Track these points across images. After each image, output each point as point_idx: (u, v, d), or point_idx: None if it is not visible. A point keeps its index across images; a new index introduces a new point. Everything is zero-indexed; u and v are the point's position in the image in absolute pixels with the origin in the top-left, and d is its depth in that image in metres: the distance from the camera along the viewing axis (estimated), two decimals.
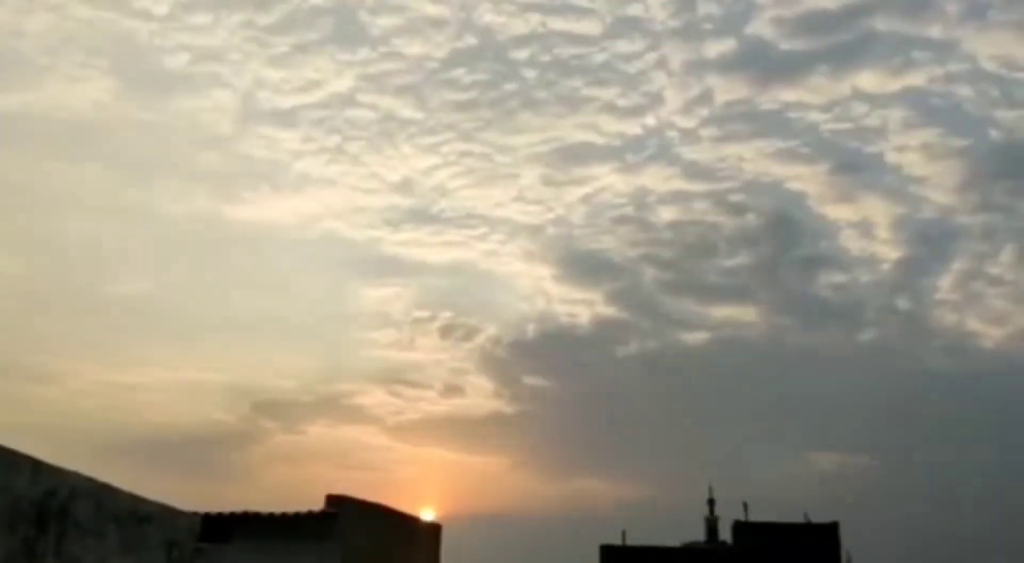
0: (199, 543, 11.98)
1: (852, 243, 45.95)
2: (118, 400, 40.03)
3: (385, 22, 43.48)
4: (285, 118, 43.52)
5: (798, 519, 25.82)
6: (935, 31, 44.24)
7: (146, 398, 40.44)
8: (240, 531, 13.79)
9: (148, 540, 11.14)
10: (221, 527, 13.52)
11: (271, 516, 14.02)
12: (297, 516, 14.00)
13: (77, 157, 39.66)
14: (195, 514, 11.52)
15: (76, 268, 39.57)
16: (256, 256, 44.02)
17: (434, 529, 17.54)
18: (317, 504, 14.79)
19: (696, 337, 45.47)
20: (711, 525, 28.14)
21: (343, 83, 43.50)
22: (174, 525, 11.54)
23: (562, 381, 45.86)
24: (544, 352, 45.17)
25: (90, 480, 10.86)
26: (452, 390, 44.83)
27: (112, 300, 39.97)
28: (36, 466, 9.49)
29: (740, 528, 25.72)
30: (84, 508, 10.58)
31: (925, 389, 41.88)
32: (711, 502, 28.02)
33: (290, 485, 36.10)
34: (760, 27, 43.69)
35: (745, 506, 25.56)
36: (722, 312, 46.37)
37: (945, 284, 45.21)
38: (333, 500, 14.06)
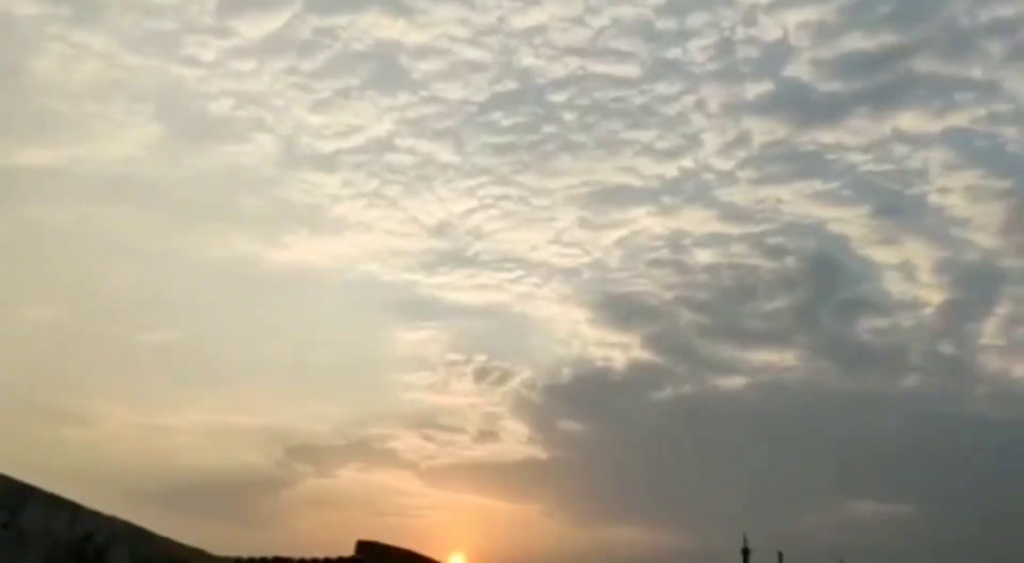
0: None
1: (894, 286, 45.53)
2: (152, 443, 40.45)
3: (426, 66, 44.12)
4: (325, 162, 44.22)
5: None
6: (977, 72, 44.08)
7: (180, 441, 40.86)
8: None
9: None
10: None
11: (302, 561, 14.11)
12: (328, 561, 14.07)
13: (120, 202, 40.65)
14: (229, 559, 11.64)
15: (114, 312, 40.23)
16: (293, 299, 44.52)
17: None
18: (347, 550, 14.87)
19: (734, 382, 45.16)
20: None
21: (382, 127, 44.27)
22: None
23: (597, 426, 45.63)
24: (579, 396, 45.00)
25: (127, 524, 11.03)
26: (486, 435, 44.73)
27: (149, 344, 40.69)
28: (75, 510, 9.66)
29: None
30: (120, 553, 10.73)
31: (969, 437, 41.14)
32: (745, 551, 27.63)
33: (321, 530, 36.08)
34: (798, 69, 43.94)
35: (780, 556, 25.21)
36: (760, 357, 46.01)
37: (990, 329, 44.58)
38: (364, 546, 14.12)
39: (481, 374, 45.38)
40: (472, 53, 43.78)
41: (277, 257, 43.30)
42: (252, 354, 43.28)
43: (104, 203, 40.13)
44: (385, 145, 44.39)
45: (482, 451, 44.31)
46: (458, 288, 45.34)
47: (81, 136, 40.49)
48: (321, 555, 14.65)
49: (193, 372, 41.13)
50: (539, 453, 44.46)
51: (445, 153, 44.97)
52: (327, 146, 43.95)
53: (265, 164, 43.47)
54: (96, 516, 10.21)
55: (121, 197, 40.62)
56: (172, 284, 41.61)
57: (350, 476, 42.78)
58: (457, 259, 45.40)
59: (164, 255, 41.74)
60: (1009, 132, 44.34)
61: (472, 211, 45.41)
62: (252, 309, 43.74)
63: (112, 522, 10.64)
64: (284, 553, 15.20)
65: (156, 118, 41.73)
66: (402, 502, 42.19)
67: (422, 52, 43.84)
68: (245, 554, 14.98)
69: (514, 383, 45.19)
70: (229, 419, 41.13)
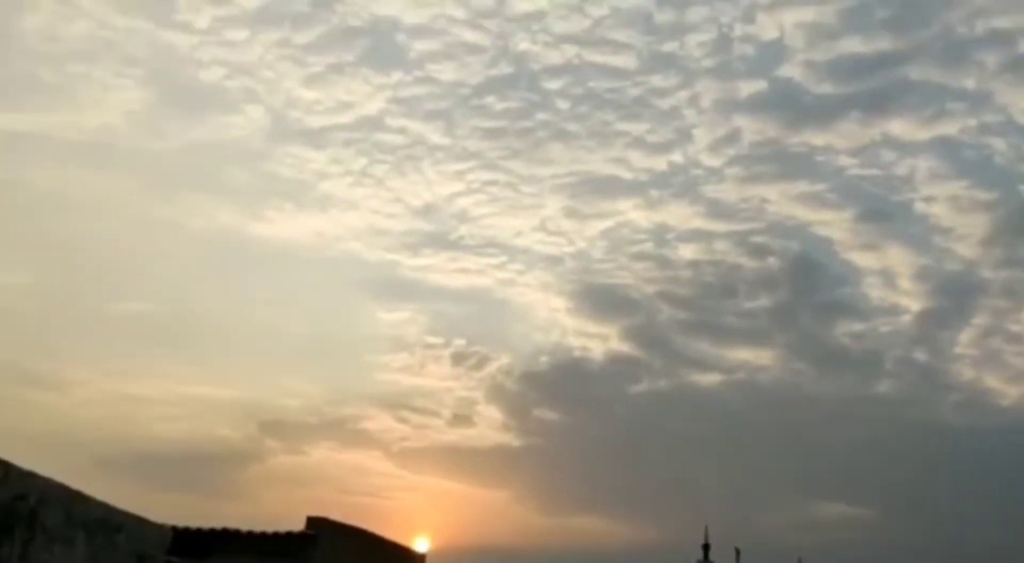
0: (172, 557, 11.96)
1: (874, 292, 45.68)
2: (124, 411, 40.16)
3: (422, 46, 43.90)
4: (314, 138, 43.90)
5: None
6: (970, 82, 44.24)
7: (152, 411, 40.55)
8: (219, 548, 13.76)
9: (117, 550, 11.11)
10: (200, 543, 13.49)
11: (250, 534, 13.98)
12: (277, 536, 13.95)
13: (103, 168, 40.23)
14: (167, 527, 11.49)
15: (91, 279, 39.84)
16: (274, 274, 44.27)
17: (418, 559, 17.42)
18: (300, 525, 14.75)
19: (709, 379, 45.27)
20: None
21: (374, 105, 43.95)
22: (145, 536, 11.52)
23: (572, 416, 45.64)
24: (555, 385, 45.01)
25: (62, 486, 10.86)
26: (460, 419, 44.65)
27: (126, 312, 40.20)
28: (6, 469, 9.50)
29: None
30: (54, 514, 10.56)
31: (938, 444, 41.42)
32: (706, 547, 27.68)
33: (288, 506, 35.98)
34: (792, 70, 43.94)
35: (737, 552, 25.26)
36: (737, 355, 46.10)
37: (965, 339, 44.78)
38: (314, 522, 14.00)
39: (459, 358, 45.35)
40: (469, 35, 43.62)
41: (260, 231, 43.12)
42: (229, 327, 43.05)
43: (86, 168, 39.80)
44: (375, 123, 44.24)
45: (455, 435, 44.33)
46: (440, 271, 45.34)
47: (65, 99, 40.19)
48: (272, 530, 14.54)
49: (169, 342, 40.85)
50: (512, 440, 44.52)
51: (435, 135, 44.81)
52: (317, 121, 43.74)
53: (253, 136, 43.26)
54: (30, 476, 10.04)
55: (104, 163, 40.30)
56: (152, 253, 41.33)
57: (321, 454, 42.74)
58: (441, 242, 45.34)
59: (145, 223, 41.43)
60: (998, 144, 44.64)
61: (459, 194, 45.35)
62: (232, 282, 43.51)
63: (46, 483, 10.48)
64: (249, 527, 15.09)
65: (144, 83, 41.36)
66: (372, 482, 42.19)
67: (419, 31, 43.71)
68: (206, 526, 14.86)
69: (491, 369, 45.22)
70: (203, 391, 40.96)
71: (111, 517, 11.07)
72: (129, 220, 41.06)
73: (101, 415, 38.96)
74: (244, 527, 15.01)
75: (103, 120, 40.50)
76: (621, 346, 45.87)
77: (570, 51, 44.29)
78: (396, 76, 44.19)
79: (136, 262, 40.64)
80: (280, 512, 39.43)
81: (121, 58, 41.05)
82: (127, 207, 41.09)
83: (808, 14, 43.00)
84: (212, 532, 13.94)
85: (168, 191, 42.17)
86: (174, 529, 11.35)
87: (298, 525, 14.86)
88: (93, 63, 40.79)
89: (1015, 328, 44.49)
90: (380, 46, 43.89)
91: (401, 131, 44.29)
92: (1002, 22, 43.41)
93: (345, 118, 43.65)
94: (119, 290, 40.21)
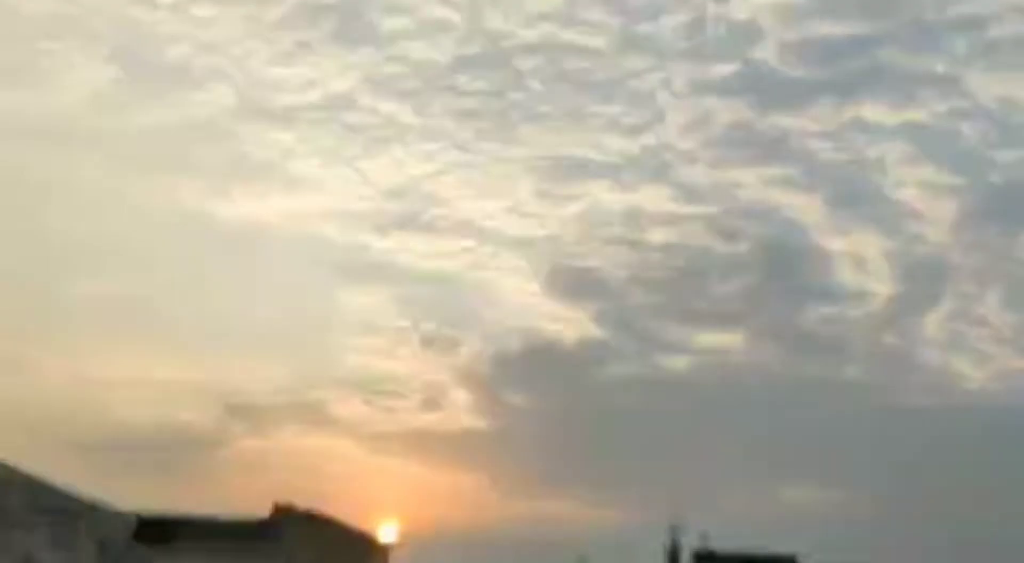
0: (135, 543, 11.79)
1: (844, 276, 45.45)
2: (89, 395, 39.45)
3: (393, 23, 43.04)
4: (282, 117, 43.04)
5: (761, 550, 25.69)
6: (940, 67, 44.18)
7: (116, 394, 39.75)
8: (182, 534, 13.58)
9: (79, 537, 10.96)
10: (163, 529, 13.31)
11: (215, 521, 13.81)
12: (242, 523, 13.79)
13: (67, 144, 39.38)
14: (130, 514, 11.34)
15: (55, 260, 39.11)
16: (242, 255, 43.55)
17: (383, 544, 17.33)
18: (265, 511, 14.60)
19: (679, 362, 45.15)
20: (672, 553, 27.96)
21: (344, 84, 43.09)
22: (107, 523, 11.36)
23: (542, 399, 45.56)
24: (526, 368, 44.81)
25: (23, 473, 10.68)
26: (430, 403, 44.32)
27: (90, 293, 39.48)
28: None
29: (700, 557, 25.60)
30: (15, 500, 10.39)
31: (905, 426, 41.77)
32: (673, 529, 27.87)
33: (255, 491, 35.51)
34: (765, 52, 43.62)
35: (705, 535, 25.44)
36: (708, 338, 46.02)
37: (933, 322, 44.94)
38: (280, 509, 13.86)
39: (428, 341, 44.98)
40: (441, 12, 42.89)
41: (227, 212, 42.40)
42: (196, 309, 42.44)
43: (49, 147, 39.00)
44: (345, 103, 43.33)
45: (425, 419, 44.02)
46: (410, 253, 44.68)
47: (28, 77, 39.42)
48: (237, 516, 14.40)
49: (134, 325, 40.29)
50: (482, 424, 44.35)
51: (406, 114, 44.01)
52: (285, 100, 42.89)
53: (220, 115, 42.32)
54: None
55: (68, 142, 39.51)
56: (117, 234, 40.59)
57: (288, 438, 42.31)
58: (411, 223, 44.68)
59: (111, 204, 40.68)
60: (967, 129, 44.60)
61: (430, 176, 44.61)
62: (198, 263, 42.77)
63: (8, 469, 10.31)
64: (214, 512, 14.93)
65: (110, 60, 40.58)
66: (340, 467, 41.85)
67: (390, 8, 42.94)
68: (170, 511, 14.67)
69: (461, 352, 44.87)
70: (168, 374, 40.32)
71: (72, 504, 10.90)
72: (94, 200, 40.45)
73: (65, 398, 38.40)
74: (209, 512, 14.87)
75: (67, 98, 39.91)
76: (592, 329, 45.78)
77: (544, 30, 43.69)
78: (366, 54, 43.50)
79: (101, 243, 40.04)
80: (246, 497, 39.19)
81: (86, 35, 40.48)
82: (91, 187, 40.44)
83: None
84: (177, 518, 13.76)
85: (133, 171, 41.41)
86: (138, 516, 11.19)
87: (264, 511, 14.73)
88: (57, 40, 40.10)
89: (981, 312, 44.81)
90: (350, 23, 43.19)
91: (371, 110, 43.62)
92: (972, 8, 43.32)
93: (314, 97, 42.99)
94: (83, 272, 39.62)
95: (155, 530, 12.64)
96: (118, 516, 11.44)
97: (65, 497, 11.00)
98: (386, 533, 17.13)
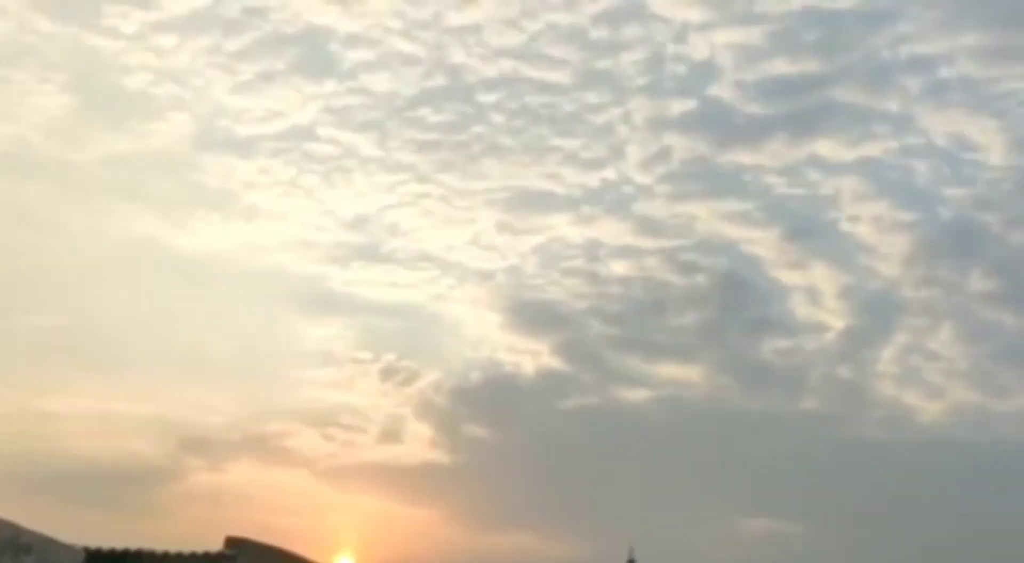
0: None
1: (799, 309, 46.03)
2: (37, 428, 38.33)
3: (356, 55, 43.36)
4: (242, 147, 43.00)
5: None
6: (893, 105, 45.13)
7: (67, 427, 39.00)
8: None
9: None
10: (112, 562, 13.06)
11: (165, 555, 13.57)
12: (194, 556, 13.55)
13: (22, 174, 39.08)
14: (78, 547, 11.12)
15: (4, 289, 38.46)
16: (198, 286, 43.13)
17: None
18: (218, 545, 14.37)
19: (637, 394, 45.28)
20: None
21: (305, 115, 43.27)
22: (55, 557, 11.14)
23: (501, 432, 45.45)
24: (485, 401, 44.70)
25: None
26: (388, 436, 44.00)
27: (39, 324, 38.80)
28: None
29: None
30: None
31: (860, 459, 42.22)
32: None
33: (207, 525, 34.84)
34: (722, 89, 44.46)
35: None
36: (666, 371, 46.27)
37: (886, 356, 45.43)
38: (232, 542, 13.64)
39: (388, 373, 44.70)
40: (404, 46, 43.26)
41: (183, 242, 42.10)
42: (150, 341, 41.78)
43: (2, 175, 38.67)
44: (306, 133, 43.44)
45: (383, 453, 43.70)
46: (370, 284, 44.56)
47: None
48: (189, 550, 14.14)
49: (86, 357, 39.59)
50: (441, 457, 44.07)
51: (367, 146, 44.19)
52: (245, 130, 42.85)
53: (178, 145, 42.13)
54: None
55: (21, 169, 39.17)
56: (69, 264, 40.02)
57: (243, 472, 41.71)
58: (371, 255, 44.67)
59: (63, 234, 40.19)
60: (919, 166, 45.51)
61: (390, 207, 44.71)
62: (154, 294, 42.28)
63: None
64: (169, 546, 14.65)
65: (67, 89, 40.30)
66: (296, 501, 41.30)
67: (353, 40, 43.20)
68: (119, 546, 14.38)
69: (421, 384, 44.64)
70: (121, 407, 39.69)
71: (20, 537, 10.67)
72: (47, 230, 39.92)
73: (11, 431, 37.50)
74: (160, 547, 14.59)
75: (22, 126, 39.50)
76: (551, 362, 45.84)
77: (506, 65, 44.34)
78: (329, 85, 43.68)
79: (52, 273, 39.40)
80: (199, 532, 38.31)
81: (43, 63, 40.07)
82: (44, 216, 39.92)
83: (738, 35, 43.68)
84: (126, 552, 13.49)
85: (88, 200, 41.09)
86: (86, 550, 10.98)
87: (216, 545, 14.49)
88: (13, 68, 39.81)
89: (933, 346, 45.48)
90: (313, 55, 43.35)
91: (332, 141, 43.72)
92: (924, 48, 44.37)
93: (275, 127, 43.03)
94: (33, 302, 38.80)
95: None
96: (67, 549, 11.21)
97: (12, 530, 10.76)
98: None
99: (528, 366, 45.67)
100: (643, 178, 45.17)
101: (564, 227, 45.56)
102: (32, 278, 38.82)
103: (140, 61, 40.90)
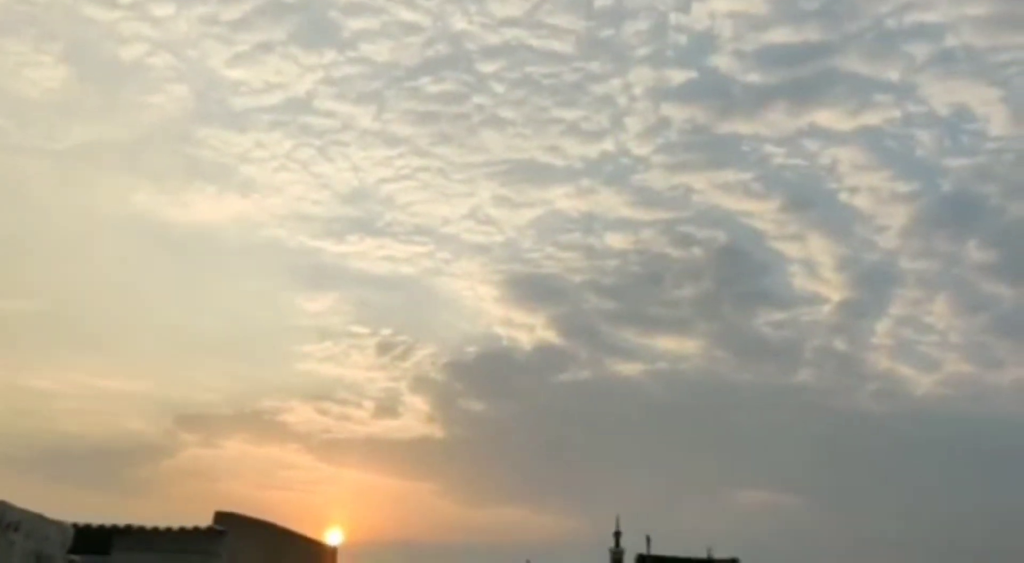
0: (73, 555, 11.65)
1: (796, 281, 46.07)
2: (31, 406, 38.52)
3: (357, 24, 42.60)
4: (239, 119, 42.74)
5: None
6: (895, 74, 44.51)
7: (62, 406, 39.10)
8: (121, 544, 13.42)
9: (14, 548, 10.79)
10: (102, 540, 13.15)
11: (155, 531, 13.66)
12: (183, 531, 13.65)
13: (14, 148, 38.91)
14: (68, 524, 11.18)
15: None
16: (193, 260, 43.06)
17: (330, 552, 17.25)
18: (209, 520, 14.47)
19: (632, 368, 45.44)
20: (616, 558, 28.17)
21: (303, 86, 42.75)
22: (44, 534, 11.20)
23: (497, 406, 45.62)
24: (481, 375, 44.82)
25: None
26: (384, 410, 44.13)
27: (33, 300, 38.71)
28: None
29: (643, 559, 25.85)
30: None
31: (855, 432, 42.41)
32: (617, 534, 28.02)
33: (201, 501, 34.92)
34: (721, 59, 43.95)
35: (648, 540, 25.68)
36: (661, 344, 46.44)
37: (882, 328, 45.60)
38: (222, 517, 13.74)
39: (384, 348, 44.80)
40: (406, 14, 42.53)
41: (179, 216, 41.92)
42: (145, 317, 41.72)
43: None
44: (303, 105, 43.05)
45: (379, 427, 43.83)
46: (366, 258, 44.50)
47: None
48: (178, 525, 14.23)
49: (80, 332, 39.46)
50: (437, 431, 44.25)
51: (365, 118, 43.77)
52: (242, 102, 42.51)
53: (175, 117, 41.82)
54: None
55: (16, 142, 39.00)
56: (63, 239, 39.89)
57: (238, 447, 41.85)
58: (368, 228, 44.54)
59: (58, 203, 40.03)
60: (920, 136, 45.12)
61: (387, 180, 44.51)
62: (149, 269, 42.01)
63: None
64: (160, 523, 14.73)
65: (64, 58, 39.89)
66: (290, 476, 41.50)
67: (354, 8, 42.45)
68: (108, 522, 14.43)
69: (417, 358, 44.78)
70: (115, 384, 39.65)
71: (7, 515, 10.74)
72: (40, 205, 39.68)
73: (6, 409, 37.45)
74: (150, 523, 14.69)
75: (16, 97, 39.23)
76: (547, 335, 45.96)
77: (508, 33, 43.62)
78: (328, 55, 42.97)
79: (46, 249, 39.34)
80: (192, 508, 38.72)
81: (39, 33, 39.68)
82: (37, 191, 39.72)
83: (739, 4, 43.10)
84: (115, 528, 13.58)
85: (82, 174, 40.75)
86: (75, 526, 11.04)
87: (207, 520, 14.59)
88: (9, 37, 39.45)
89: (929, 319, 45.62)
90: (312, 24, 42.58)
91: (329, 114, 43.33)
92: (930, 16, 43.49)
93: (272, 99, 42.65)
94: (26, 278, 38.81)
95: (93, 540, 12.48)
96: (56, 527, 11.28)
97: (0, 507, 10.81)
98: (332, 538, 17.13)
99: (524, 340, 45.87)
100: (641, 149, 44.84)
101: (561, 200, 45.52)
102: (24, 254, 38.78)
103: (136, 31, 40.33)
